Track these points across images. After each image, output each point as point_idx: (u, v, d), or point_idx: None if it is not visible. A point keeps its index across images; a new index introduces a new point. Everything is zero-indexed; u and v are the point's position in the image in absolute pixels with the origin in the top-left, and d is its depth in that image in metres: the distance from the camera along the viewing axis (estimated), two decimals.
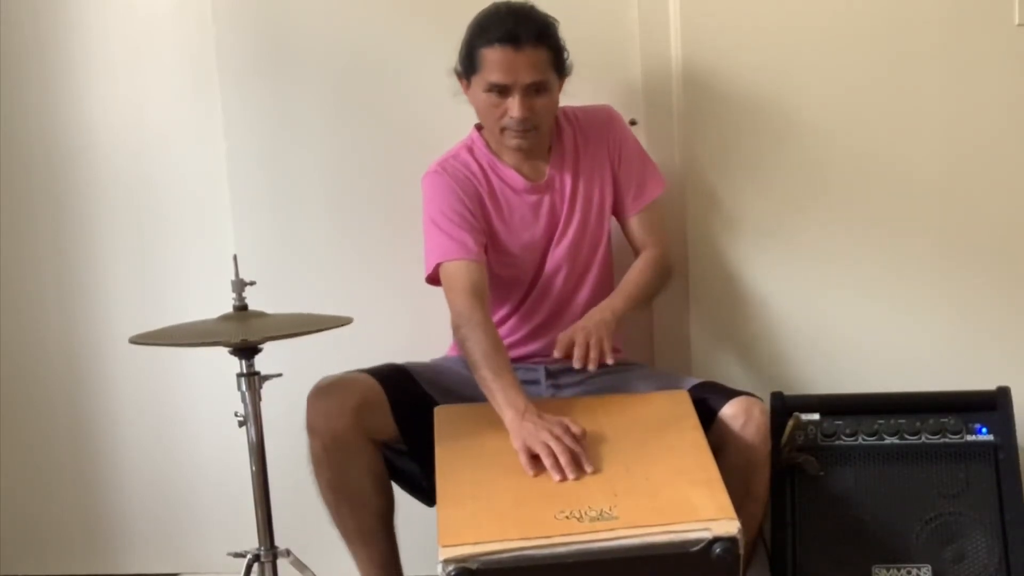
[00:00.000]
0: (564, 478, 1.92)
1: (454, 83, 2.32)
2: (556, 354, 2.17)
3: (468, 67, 2.26)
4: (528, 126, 2.25)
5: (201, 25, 2.66)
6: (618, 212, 2.42)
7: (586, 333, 2.16)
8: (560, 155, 2.36)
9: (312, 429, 2.16)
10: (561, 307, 2.38)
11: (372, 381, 2.20)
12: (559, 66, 2.26)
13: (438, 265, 2.27)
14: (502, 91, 2.22)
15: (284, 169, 2.70)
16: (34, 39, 2.76)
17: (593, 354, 2.13)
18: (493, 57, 2.20)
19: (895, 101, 2.49)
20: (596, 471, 1.94)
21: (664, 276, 2.42)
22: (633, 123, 2.56)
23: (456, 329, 2.22)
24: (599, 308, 2.27)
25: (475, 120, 2.38)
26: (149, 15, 2.72)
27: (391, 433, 2.21)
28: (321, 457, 2.17)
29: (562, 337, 2.19)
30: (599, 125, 2.40)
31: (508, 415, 2.05)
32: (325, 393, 2.17)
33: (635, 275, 2.36)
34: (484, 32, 2.22)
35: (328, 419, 2.14)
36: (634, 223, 2.41)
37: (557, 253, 2.35)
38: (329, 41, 2.65)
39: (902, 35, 2.47)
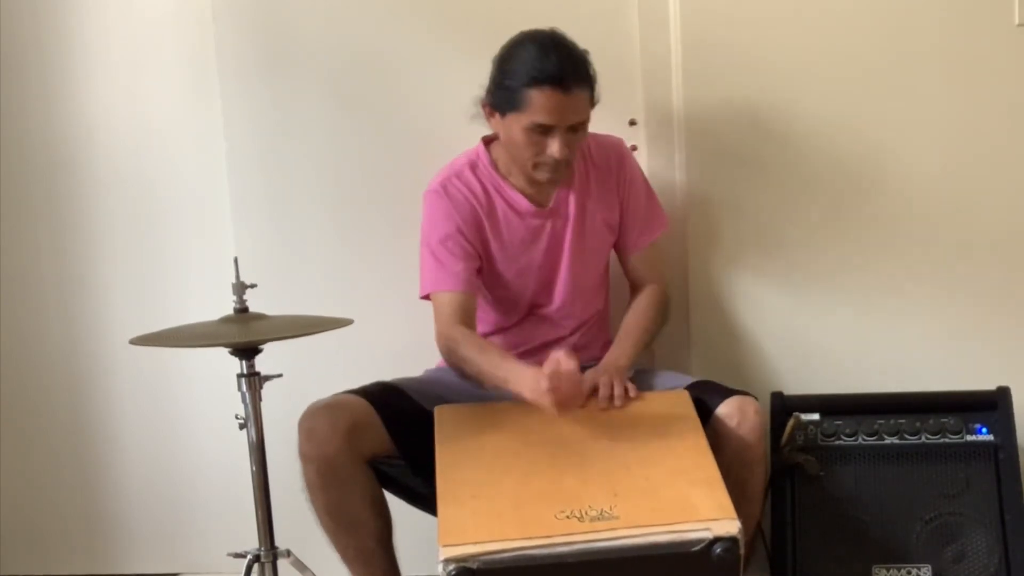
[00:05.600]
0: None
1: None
2: None
3: (506, 103, 2.18)
4: (564, 163, 2.23)
5: (201, 25, 2.66)
6: (621, 247, 2.43)
7: (608, 378, 2.18)
8: (569, 181, 2.34)
9: (304, 455, 2.12)
10: (556, 336, 2.37)
11: (362, 402, 2.16)
12: (594, 100, 2.23)
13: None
14: (545, 131, 2.18)
15: (284, 169, 2.70)
16: (34, 39, 2.76)
17: (618, 390, 2.16)
18: (541, 100, 2.13)
19: (895, 100, 2.49)
20: (596, 470, 1.95)
21: (665, 314, 2.43)
22: (633, 123, 2.56)
23: (450, 354, 2.23)
24: (612, 356, 2.28)
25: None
26: (149, 15, 2.72)
27: (387, 450, 2.19)
28: (315, 482, 2.13)
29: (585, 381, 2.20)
30: (611, 160, 2.39)
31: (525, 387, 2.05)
32: (315, 418, 2.13)
33: (639, 317, 2.36)
34: (529, 72, 2.14)
35: (319, 444, 2.10)
36: (637, 260, 2.42)
37: (558, 280, 2.35)
38: (329, 41, 2.65)
39: (902, 35, 2.47)
